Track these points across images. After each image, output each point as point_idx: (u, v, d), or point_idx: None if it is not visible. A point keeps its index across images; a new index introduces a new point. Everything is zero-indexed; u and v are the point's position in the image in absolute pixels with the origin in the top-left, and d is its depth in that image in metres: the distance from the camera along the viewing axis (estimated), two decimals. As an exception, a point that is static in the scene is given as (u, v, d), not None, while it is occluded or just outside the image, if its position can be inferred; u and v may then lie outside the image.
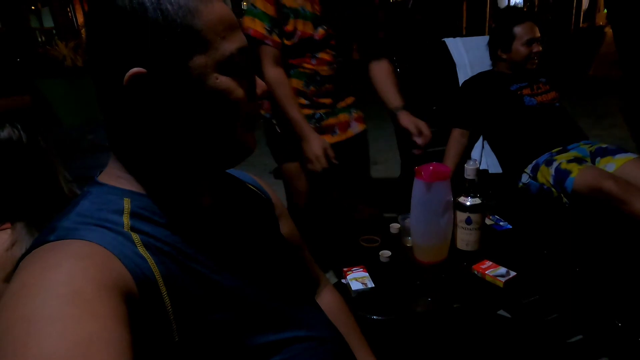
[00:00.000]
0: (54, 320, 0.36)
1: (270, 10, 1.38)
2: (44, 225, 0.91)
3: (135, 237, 0.48)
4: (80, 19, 11.24)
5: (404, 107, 1.53)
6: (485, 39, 2.00)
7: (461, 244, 1.15)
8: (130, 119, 0.51)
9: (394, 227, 1.32)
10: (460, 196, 1.13)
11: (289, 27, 1.41)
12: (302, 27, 1.42)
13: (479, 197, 1.11)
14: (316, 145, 1.38)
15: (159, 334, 0.45)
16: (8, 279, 0.81)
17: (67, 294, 0.38)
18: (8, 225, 0.90)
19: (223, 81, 0.50)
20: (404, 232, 1.23)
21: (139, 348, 0.40)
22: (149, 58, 0.47)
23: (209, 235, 0.56)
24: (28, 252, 0.46)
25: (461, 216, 1.13)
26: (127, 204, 0.51)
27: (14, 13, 10.04)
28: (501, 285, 1.01)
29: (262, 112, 1.63)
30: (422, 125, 1.47)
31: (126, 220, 0.49)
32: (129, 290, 0.43)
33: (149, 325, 0.44)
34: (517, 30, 1.78)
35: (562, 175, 1.54)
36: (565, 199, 1.55)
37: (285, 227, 0.77)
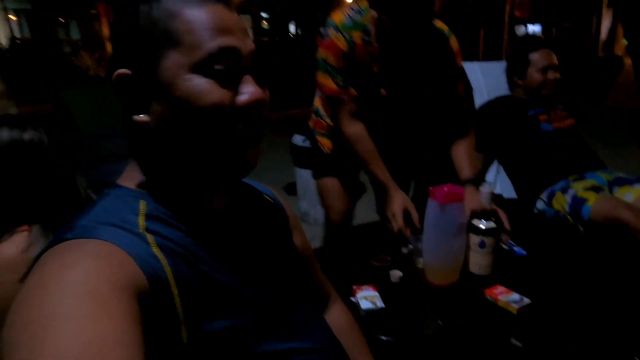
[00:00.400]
0: (70, 319, 0.37)
1: (341, 65, 1.35)
2: (59, 227, 0.92)
3: (149, 237, 0.49)
4: (106, 32, 11.61)
5: (472, 181, 1.40)
6: (502, 64, 2.01)
7: (474, 268, 1.13)
8: (135, 123, 0.53)
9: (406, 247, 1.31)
10: (474, 219, 1.12)
11: (363, 87, 1.38)
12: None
13: (493, 221, 1.10)
14: (395, 203, 1.34)
15: (168, 335, 0.46)
16: (23, 280, 0.82)
17: (83, 293, 0.39)
18: (25, 227, 0.91)
19: (195, 82, 0.49)
20: (416, 252, 1.22)
21: (149, 348, 0.41)
22: (134, 61, 0.51)
23: (221, 239, 0.57)
24: (47, 248, 0.47)
25: (475, 239, 1.11)
26: (142, 206, 0.53)
27: (43, 25, 10.42)
28: (514, 312, 0.99)
29: (310, 123, 1.64)
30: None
31: (141, 221, 0.51)
32: (142, 290, 0.44)
33: (160, 325, 0.45)
34: (533, 57, 1.79)
35: (578, 203, 1.51)
36: (581, 228, 1.52)
37: (298, 239, 0.77)
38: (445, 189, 1.06)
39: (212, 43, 0.50)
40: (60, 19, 11.83)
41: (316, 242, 2.06)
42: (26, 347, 0.35)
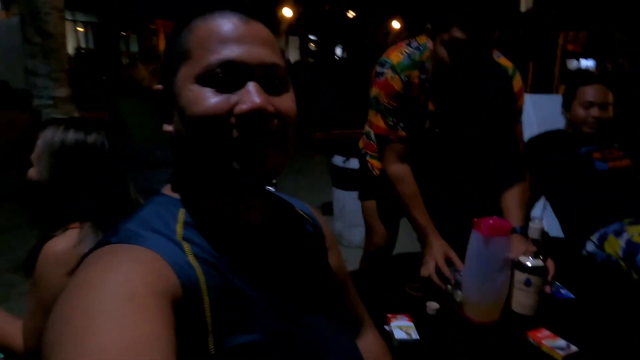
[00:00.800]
0: (110, 319, 0.38)
1: (394, 105, 1.34)
2: (109, 228, 0.96)
3: (186, 246, 0.50)
4: (162, 46, 12.26)
5: (520, 230, 1.31)
6: (554, 97, 1.96)
7: (517, 307, 1.08)
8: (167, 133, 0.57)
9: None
10: (520, 255, 1.07)
11: (427, 125, 1.37)
12: (425, 126, 1.38)
13: (541, 259, 1.05)
14: (435, 249, 1.28)
15: (196, 345, 0.46)
16: (72, 273, 0.86)
17: (124, 295, 0.40)
18: (77, 224, 0.96)
19: (194, 91, 0.51)
20: (456, 285, 1.18)
21: (178, 357, 0.41)
22: (164, 76, 0.56)
23: (253, 253, 0.57)
24: (92, 250, 0.49)
25: (520, 276, 1.06)
26: (182, 214, 0.54)
27: (107, 37, 11.16)
28: (560, 359, 0.93)
29: (361, 144, 1.64)
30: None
31: (179, 229, 0.52)
32: (176, 297, 0.45)
33: (189, 334, 0.45)
34: (580, 91, 1.73)
35: (633, 248, 1.42)
36: (635, 275, 1.42)
37: (334, 260, 0.76)
38: (491, 221, 1.03)
39: (215, 56, 0.51)
40: (122, 32, 12.60)
41: (350, 265, 2.03)
42: (67, 343, 0.37)
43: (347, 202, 2.99)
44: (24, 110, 3.20)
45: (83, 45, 11.96)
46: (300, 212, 0.73)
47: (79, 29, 11.89)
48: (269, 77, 0.53)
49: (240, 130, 0.51)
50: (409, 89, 1.32)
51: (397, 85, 1.31)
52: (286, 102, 0.55)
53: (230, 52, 0.51)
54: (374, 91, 1.36)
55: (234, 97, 0.51)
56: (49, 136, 0.96)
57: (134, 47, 12.84)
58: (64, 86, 2.21)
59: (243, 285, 0.52)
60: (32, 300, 0.92)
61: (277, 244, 0.62)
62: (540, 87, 7.81)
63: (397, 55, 1.32)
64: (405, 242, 1.91)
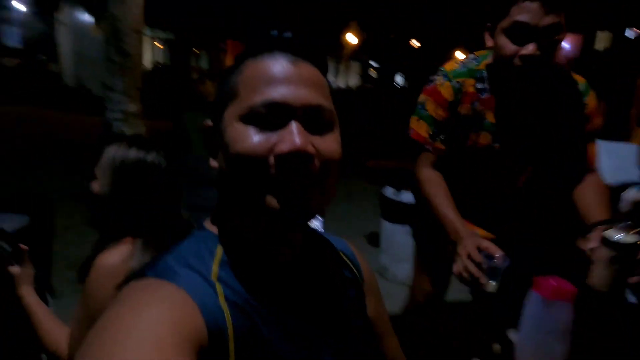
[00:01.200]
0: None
1: (440, 115, 1.28)
2: (159, 245, 0.98)
3: (219, 288, 0.50)
4: (229, 64, 12.93)
5: (605, 221, 1.17)
6: (631, 147, 1.80)
7: (594, 279, 0.99)
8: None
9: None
10: (608, 229, 0.97)
11: (469, 142, 1.30)
12: (482, 140, 1.30)
13: (635, 234, 0.94)
14: (467, 243, 1.16)
15: None
16: (119, 287, 0.89)
17: (150, 339, 0.41)
18: (129, 239, 0.99)
19: (238, 129, 0.51)
20: (489, 273, 1.08)
21: None
22: (213, 113, 0.57)
23: (285, 296, 0.56)
24: (131, 279, 0.50)
25: (605, 252, 0.97)
26: (219, 251, 0.54)
27: (180, 53, 11.94)
28: None
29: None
30: None
31: (215, 268, 0.52)
32: (202, 342, 0.45)
33: None
34: None
35: None
36: None
37: (372, 307, 0.72)
38: (554, 282, 0.94)
39: (260, 96, 0.51)
40: (194, 49, 13.44)
41: (391, 301, 1.94)
42: None
43: (396, 235, 2.91)
44: (101, 116, 3.46)
45: (160, 60, 12.88)
46: (341, 254, 0.70)
47: (157, 44, 12.83)
48: (313, 117, 0.52)
49: (279, 169, 0.50)
50: (460, 97, 1.26)
51: (446, 92, 1.26)
52: (329, 143, 0.53)
53: (275, 93, 0.51)
54: (422, 97, 1.31)
55: (274, 137, 0.50)
56: (112, 153, 1.01)
57: (204, 64, 13.63)
58: (135, 102, 2.37)
59: (270, 331, 0.51)
60: (81, 309, 0.95)
61: (309, 286, 0.60)
62: (614, 130, 7.30)
63: (451, 64, 1.29)
64: (457, 289, 1.80)
